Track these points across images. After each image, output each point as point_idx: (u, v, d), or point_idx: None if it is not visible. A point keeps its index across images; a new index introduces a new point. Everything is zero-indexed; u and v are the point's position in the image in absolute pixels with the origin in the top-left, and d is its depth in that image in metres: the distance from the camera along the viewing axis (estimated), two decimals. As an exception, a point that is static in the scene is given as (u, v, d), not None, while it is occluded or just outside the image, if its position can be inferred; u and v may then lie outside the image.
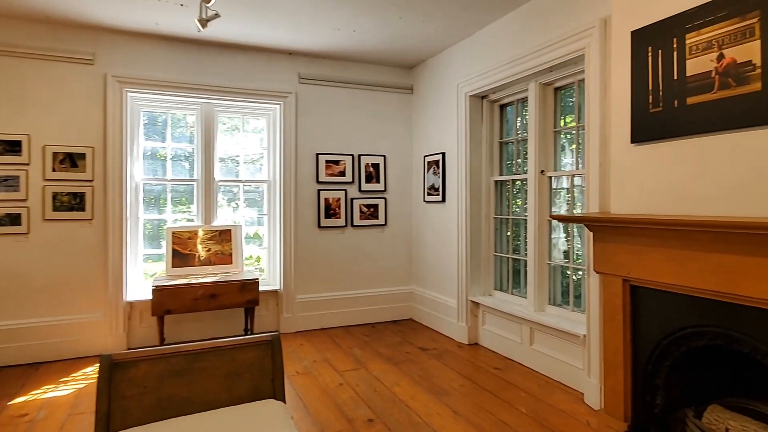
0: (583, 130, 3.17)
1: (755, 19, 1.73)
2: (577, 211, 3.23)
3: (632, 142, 2.23)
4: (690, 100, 1.96)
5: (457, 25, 3.69)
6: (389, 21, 3.60)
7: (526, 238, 3.72)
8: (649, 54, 2.12)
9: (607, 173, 2.71)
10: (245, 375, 1.80)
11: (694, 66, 1.94)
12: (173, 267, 3.87)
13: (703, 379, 2.25)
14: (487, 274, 4.08)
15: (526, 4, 3.32)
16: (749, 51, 1.75)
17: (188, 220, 4.29)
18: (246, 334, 3.98)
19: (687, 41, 1.96)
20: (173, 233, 3.93)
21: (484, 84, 3.77)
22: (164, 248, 4.00)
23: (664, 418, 2.20)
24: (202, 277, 3.80)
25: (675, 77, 2.02)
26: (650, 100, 2.13)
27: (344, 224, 4.66)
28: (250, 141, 4.56)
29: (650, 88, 2.13)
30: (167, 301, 3.53)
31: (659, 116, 2.09)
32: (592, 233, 2.47)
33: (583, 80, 3.14)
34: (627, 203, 2.31)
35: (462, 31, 3.83)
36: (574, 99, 3.26)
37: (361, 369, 3.50)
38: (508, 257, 3.94)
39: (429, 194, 4.61)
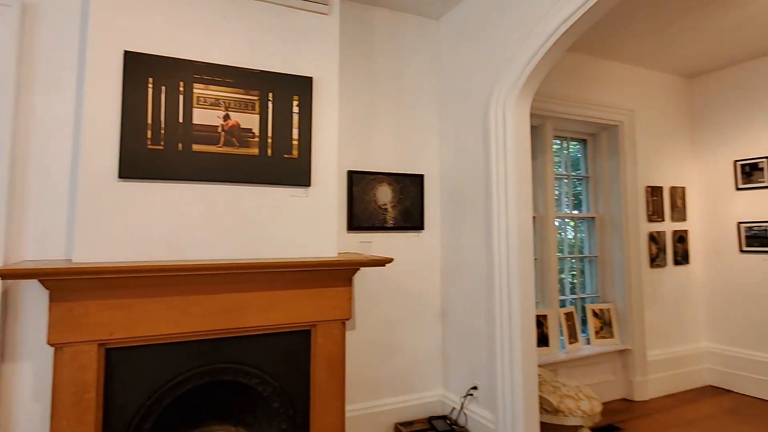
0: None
1: (256, 97, 2.10)
2: None
3: (120, 177, 1.87)
4: (195, 147, 1.99)
5: None
6: None
7: None
8: (150, 86, 1.92)
9: (16, 205, 1.97)
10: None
11: (202, 116, 2.00)
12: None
13: (199, 415, 2.19)
14: None
15: None
16: (251, 120, 2.08)
17: None
18: None
19: (195, 90, 1.99)
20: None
21: None
22: None
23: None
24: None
25: (181, 120, 1.96)
26: (149, 136, 1.91)
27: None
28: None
29: (150, 122, 1.91)
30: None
31: (161, 155, 1.93)
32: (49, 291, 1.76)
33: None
34: (105, 249, 1.87)
35: None
36: None
37: None
38: None
39: None
